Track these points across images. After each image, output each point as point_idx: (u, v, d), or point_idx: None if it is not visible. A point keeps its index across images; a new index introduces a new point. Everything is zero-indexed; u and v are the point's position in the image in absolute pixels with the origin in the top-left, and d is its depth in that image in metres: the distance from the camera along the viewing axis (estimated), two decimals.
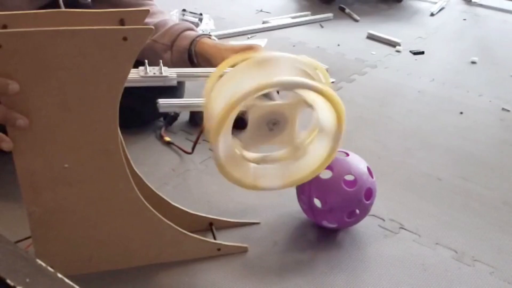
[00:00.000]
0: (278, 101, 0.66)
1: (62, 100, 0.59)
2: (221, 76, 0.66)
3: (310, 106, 0.66)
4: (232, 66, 0.66)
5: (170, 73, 0.77)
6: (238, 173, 0.68)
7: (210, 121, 0.64)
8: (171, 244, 0.76)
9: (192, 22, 1.56)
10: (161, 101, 0.77)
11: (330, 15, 1.95)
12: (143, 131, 1.13)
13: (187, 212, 0.82)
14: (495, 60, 1.67)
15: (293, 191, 0.85)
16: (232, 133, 0.66)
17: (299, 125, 0.68)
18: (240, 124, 0.66)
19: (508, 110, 1.33)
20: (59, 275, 0.34)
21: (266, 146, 0.69)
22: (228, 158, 0.66)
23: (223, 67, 0.66)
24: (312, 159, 0.70)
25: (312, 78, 0.65)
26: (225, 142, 0.65)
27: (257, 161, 0.71)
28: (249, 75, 0.62)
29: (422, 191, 0.98)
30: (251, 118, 0.65)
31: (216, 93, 0.65)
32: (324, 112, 0.66)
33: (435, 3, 2.18)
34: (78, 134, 0.62)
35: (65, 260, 0.72)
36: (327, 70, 1.47)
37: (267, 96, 0.67)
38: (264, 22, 1.84)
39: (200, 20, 1.73)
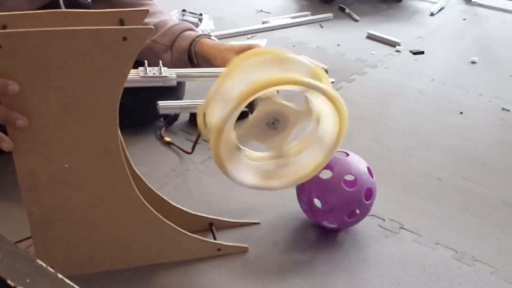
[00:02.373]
0: (290, 103, 0.67)
1: (62, 100, 0.59)
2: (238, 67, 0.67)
3: (315, 118, 0.67)
4: (255, 56, 0.66)
5: (170, 74, 0.77)
6: (226, 158, 0.67)
7: (220, 102, 0.64)
8: (171, 244, 0.76)
9: (192, 22, 1.56)
10: (161, 103, 0.77)
11: (330, 15, 1.95)
12: (143, 131, 1.13)
13: (187, 212, 0.82)
14: (495, 60, 1.67)
15: (293, 191, 0.85)
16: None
17: (292, 135, 0.69)
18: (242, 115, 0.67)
19: (508, 110, 1.33)
20: (60, 276, 0.34)
21: (257, 144, 0.69)
22: (224, 141, 0.66)
23: (249, 55, 0.66)
24: (299, 167, 0.71)
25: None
26: (229, 125, 0.65)
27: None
28: (270, 69, 0.63)
29: (422, 191, 0.98)
30: (258, 110, 0.65)
31: (234, 77, 0.65)
32: (326, 125, 0.67)
33: (435, 3, 2.18)
34: (78, 134, 0.62)
35: (66, 260, 0.72)
36: (326, 71, 1.48)
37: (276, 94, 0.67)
38: (264, 22, 1.84)
39: (200, 20, 1.73)
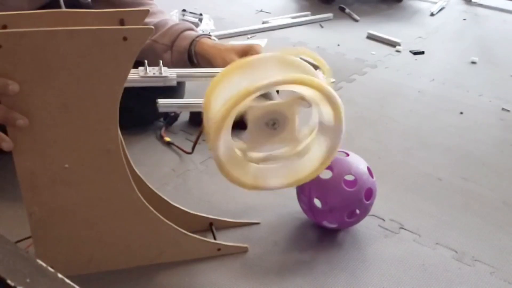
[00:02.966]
0: (275, 100, 0.66)
1: (62, 100, 0.59)
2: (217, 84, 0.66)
3: (308, 103, 0.66)
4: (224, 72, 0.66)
5: (170, 73, 0.77)
6: (238, 173, 0.68)
7: (209, 123, 0.64)
8: (171, 244, 0.76)
9: (192, 22, 1.56)
10: (161, 101, 0.77)
11: (330, 15, 1.95)
12: (143, 131, 1.13)
13: (187, 212, 0.82)
14: (495, 60, 1.67)
15: (293, 191, 0.85)
16: (236, 133, 0.66)
17: (301, 122, 0.68)
18: (243, 124, 0.66)
19: (508, 110, 1.33)
20: (60, 275, 0.34)
21: (271, 146, 0.69)
22: (229, 158, 0.66)
23: (219, 76, 0.66)
24: (314, 156, 0.70)
25: (307, 73, 0.65)
26: (225, 143, 0.65)
27: (261, 161, 0.71)
28: (245, 77, 0.62)
29: (422, 191, 0.98)
30: (250, 119, 0.65)
31: (215, 95, 0.65)
32: (322, 108, 0.66)
33: (435, 3, 2.18)
34: (78, 134, 0.62)
35: (66, 260, 0.72)
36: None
37: (266, 96, 0.67)
38: (264, 22, 1.84)
39: (200, 20, 1.73)
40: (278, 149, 0.71)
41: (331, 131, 0.67)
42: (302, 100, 0.66)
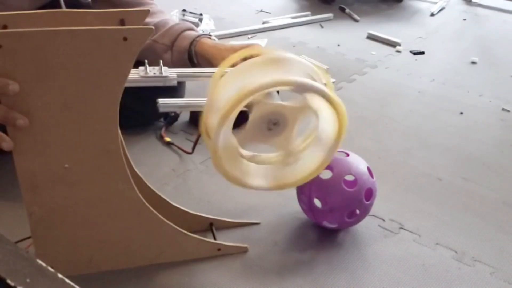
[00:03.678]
0: (284, 102, 0.66)
1: (62, 100, 0.59)
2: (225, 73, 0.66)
3: (314, 113, 0.66)
4: (243, 60, 0.65)
5: (170, 73, 0.77)
6: (229, 167, 0.67)
7: (212, 113, 0.64)
8: (172, 244, 0.76)
9: (192, 22, 1.56)
10: (161, 101, 0.77)
11: (330, 15, 1.95)
12: (144, 131, 1.13)
13: (187, 212, 0.82)
14: (495, 60, 1.67)
15: (293, 191, 0.85)
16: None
17: (296, 131, 0.69)
18: (238, 122, 0.66)
19: (508, 110, 1.33)
20: (60, 275, 0.34)
21: (260, 147, 0.69)
22: (225, 150, 0.66)
23: (230, 62, 0.66)
24: (302, 167, 0.70)
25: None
26: (225, 133, 0.64)
27: (248, 159, 0.71)
28: (261, 71, 0.62)
29: (422, 191, 0.98)
30: (253, 115, 0.65)
31: (222, 86, 0.65)
32: (325, 123, 0.66)
33: (435, 3, 2.18)
34: (78, 134, 0.62)
35: (66, 260, 0.72)
36: (327, 70, 1.48)
37: (268, 95, 0.67)
38: (264, 22, 1.84)
39: (200, 20, 1.73)
40: (268, 151, 0.71)
41: (327, 146, 0.68)
42: (309, 109, 0.66)
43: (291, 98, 0.67)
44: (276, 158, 0.71)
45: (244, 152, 0.70)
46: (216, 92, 0.65)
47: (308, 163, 0.70)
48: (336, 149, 0.68)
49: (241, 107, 0.62)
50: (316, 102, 0.65)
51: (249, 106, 0.64)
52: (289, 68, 0.64)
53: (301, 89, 0.62)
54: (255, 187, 0.69)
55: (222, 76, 0.66)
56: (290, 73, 0.62)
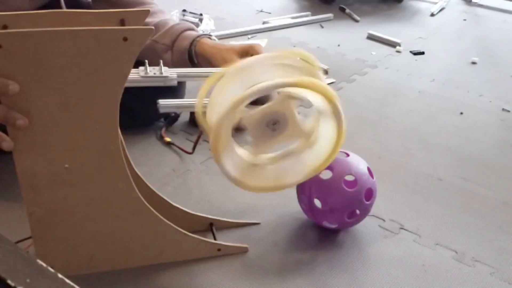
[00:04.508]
0: (299, 116, 0.66)
1: (62, 100, 0.59)
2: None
3: (298, 98, 0.66)
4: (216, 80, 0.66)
5: (170, 73, 0.77)
6: (258, 181, 0.68)
7: (215, 108, 0.64)
8: (172, 245, 0.76)
9: (193, 23, 1.56)
10: (161, 101, 0.77)
11: (330, 15, 1.95)
12: (144, 131, 1.13)
13: (187, 212, 0.82)
14: (495, 60, 1.67)
15: (293, 191, 0.85)
16: (243, 137, 0.66)
17: (298, 117, 0.68)
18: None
19: (508, 111, 1.33)
20: (60, 276, 0.34)
21: (280, 144, 0.69)
22: (241, 171, 0.66)
23: (206, 88, 0.67)
24: (325, 142, 0.70)
25: (295, 69, 0.65)
26: (232, 157, 0.65)
27: (276, 160, 0.71)
28: (231, 88, 0.63)
29: (422, 192, 0.98)
30: (248, 127, 0.65)
31: (226, 82, 0.65)
32: (313, 97, 0.66)
33: (435, 3, 2.18)
34: (78, 134, 0.62)
35: (66, 260, 0.72)
36: (327, 71, 1.48)
37: (262, 99, 0.67)
38: (264, 23, 1.84)
39: (200, 20, 1.73)
40: (289, 145, 0.71)
41: (330, 113, 0.67)
42: (291, 96, 0.66)
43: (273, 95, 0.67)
44: (300, 145, 0.70)
45: (268, 156, 0.70)
46: (222, 85, 0.65)
47: (328, 136, 0.69)
48: (338, 111, 0.66)
49: (227, 133, 0.62)
50: (322, 126, 0.65)
51: (239, 125, 0.65)
52: (257, 73, 0.64)
53: (264, 92, 0.62)
54: (293, 183, 0.70)
55: (222, 76, 0.66)
56: (257, 80, 0.62)
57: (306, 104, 0.68)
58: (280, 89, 0.64)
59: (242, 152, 0.69)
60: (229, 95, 0.61)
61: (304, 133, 0.69)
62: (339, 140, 0.68)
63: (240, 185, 0.68)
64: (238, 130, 0.66)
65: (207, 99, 0.68)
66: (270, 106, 0.65)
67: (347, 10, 2.01)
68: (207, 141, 1.02)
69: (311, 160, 0.71)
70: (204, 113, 0.68)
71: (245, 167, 0.68)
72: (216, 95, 0.65)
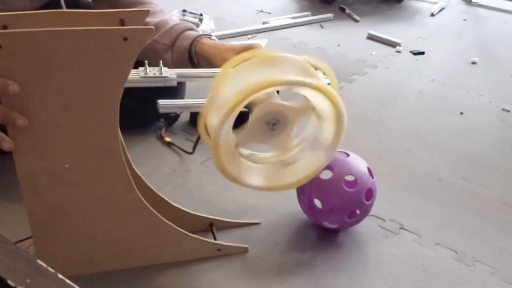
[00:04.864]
0: (286, 102, 0.66)
1: (62, 100, 0.59)
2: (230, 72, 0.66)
3: (315, 114, 0.66)
4: (243, 61, 0.65)
5: (170, 74, 0.77)
6: (227, 162, 0.67)
7: (215, 109, 0.64)
8: (172, 245, 0.76)
9: (193, 23, 1.56)
10: (161, 101, 0.77)
11: (330, 15, 1.95)
12: (144, 131, 1.13)
13: (187, 212, 0.82)
14: (495, 60, 1.67)
15: (293, 192, 0.85)
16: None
17: (295, 132, 0.69)
18: (238, 121, 0.66)
19: (509, 111, 1.33)
20: (60, 276, 0.34)
21: (261, 146, 0.69)
22: (224, 148, 0.66)
23: (236, 61, 0.66)
24: (300, 167, 0.70)
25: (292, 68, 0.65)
26: (226, 132, 0.64)
27: (246, 158, 0.71)
28: (262, 71, 0.63)
29: (422, 192, 0.98)
30: (255, 113, 0.65)
31: (226, 84, 0.65)
32: (326, 124, 0.66)
33: (435, 3, 2.18)
34: (78, 134, 0.62)
35: (66, 260, 0.72)
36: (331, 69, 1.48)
37: (270, 95, 0.67)
38: (264, 23, 1.84)
39: (200, 20, 1.73)
40: (265, 151, 0.71)
41: (325, 148, 0.68)
42: (312, 110, 0.66)
43: (292, 98, 0.67)
44: (273, 158, 0.71)
45: (243, 151, 0.70)
46: (221, 88, 0.65)
47: (305, 165, 0.70)
48: (333, 152, 0.68)
49: (243, 106, 0.62)
50: (318, 101, 0.64)
51: (250, 105, 0.64)
52: (284, 68, 0.64)
53: (294, 86, 0.62)
54: (251, 186, 0.69)
55: (228, 72, 0.66)
56: (289, 73, 0.62)
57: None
58: (297, 87, 0.63)
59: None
60: (261, 76, 0.61)
61: (285, 149, 0.69)
62: (314, 172, 0.69)
63: (215, 156, 0.66)
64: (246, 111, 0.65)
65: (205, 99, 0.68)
66: (289, 107, 0.65)
67: (347, 10, 2.01)
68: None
69: (280, 176, 0.70)
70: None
71: (228, 145, 0.67)
72: (242, 75, 0.65)
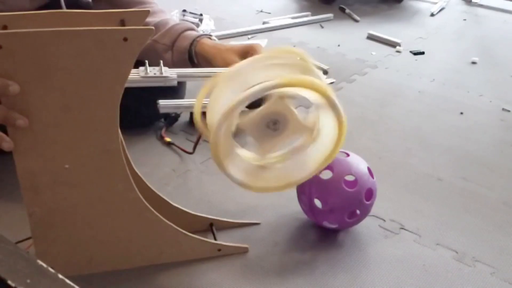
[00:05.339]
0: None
1: (62, 100, 0.59)
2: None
3: (290, 95, 0.66)
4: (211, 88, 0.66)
5: (171, 74, 0.77)
6: (267, 181, 0.67)
7: (214, 110, 0.64)
8: (172, 245, 0.76)
9: (193, 23, 1.56)
10: (161, 101, 0.77)
11: (330, 15, 1.95)
12: (144, 131, 1.13)
13: (187, 212, 0.82)
14: (495, 60, 1.67)
15: (293, 192, 0.85)
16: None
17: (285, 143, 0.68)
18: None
19: (509, 111, 1.33)
20: (60, 276, 0.34)
21: (285, 142, 0.69)
22: (249, 174, 0.66)
23: (202, 97, 0.66)
24: (327, 135, 0.69)
25: (289, 67, 0.65)
26: (235, 162, 0.65)
27: (284, 158, 0.70)
28: (225, 95, 0.63)
29: (422, 192, 0.98)
30: (248, 132, 0.65)
31: (226, 83, 0.65)
32: (307, 93, 0.66)
33: (435, 3, 2.19)
34: (78, 134, 0.62)
35: (66, 260, 0.72)
36: (327, 70, 1.48)
37: (261, 99, 0.66)
38: (264, 23, 1.84)
39: (200, 20, 1.73)
40: (293, 142, 0.71)
41: (325, 105, 0.66)
42: (282, 95, 0.65)
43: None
44: (304, 140, 0.70)
45: (275, 155, 0.70)
46: (217, 91, 0.65)
47: (329, 128, 0.69)
48: (333, 101, 0.65)
49: (226, 140, 0.62)
50: (324, 121, 0.64)
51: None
52: (249, 77, 0.63)
53: (254, 98, 0.62)
54: (301, 179, 0.69)
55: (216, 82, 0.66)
56: (250, 83, 0.62)
57: (302, 102, 0.67)
58: (272, 91, 0.63)
59: (247, 154, 0.69)
60: (223, 102, 0.61)
61: (306, 128, 0.68)
62: (341, 132, 0.67)
63: (247, 188, 0.68)
64: (238, 133, 0.65)
65: (207, 99, 0.67)
66: (265, 108, 0.65)
67: (347, 10, 2.01)
68: (208, 141, 1.03)
69: (318, 153, 0.70)
70: (204, 113, 0.68)
71: (251, 169, 0.68)
72: (212, 101, 0.65)
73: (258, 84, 0.61)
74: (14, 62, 0.56)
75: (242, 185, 0.68)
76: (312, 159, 0.70)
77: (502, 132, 1.23)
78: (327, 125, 0.68)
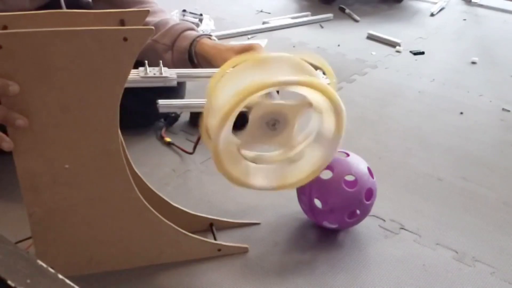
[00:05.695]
0: (282, 101, 0.66)
1: (62, 100, 0.59)
2: (223, 75, 0.66)
3: (314, 109, 0.66)
4: (235, 65, 0.66)
5: (170, 74, 0.77)
6: (232, 168, 0.67)
7: (212, 116, 0.64)
8: (172, 245, 0.76)
9: (193, 23, 1.56)
10: (161, 101, 0.77)
11: (330, 15, 1.95)
12: (144, 131, 1.13)
13: (187, 212, 0.82)
14: (495, 60, 1.67)
15: (293, 192, 0.85)
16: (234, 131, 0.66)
17: (297, 128, 0.68)
18: (239, 124, 0.66)
19: (509, 110, 1.33)
20: (60, 276, 0.34)
21: (265, 146, 0.69)
22: (226, 152, 0.66)
23: (227, 66, 0.66)
24: (306, 164, 0.70)
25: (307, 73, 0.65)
26: (226, 134, 0.64)
27: (252, 160, 0.70)
28: (254, 74, 0.62)
29: (422, 192, 0.98)
30: (253, 116, 0.65)
31: (220, 89, 0.65)
32: (325, 117, 0.66)
33: (435, 3, 2.19)
34: (78, 134, 0.62)
35: (66, 260, 0.72)
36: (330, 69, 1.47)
37: (267, 96, 0.67)
38: (264, 23, 1.84)
39: (200, 20, 1.73)
40: (271, 151, 0.71)
41: (328, 142, 0.67)
42: (309, 105, 0.66)
43: (290, 97, 0.67)
44: (279, 156, 0.70)
45: (246, 152, 0.70)
46: (216, 93, 0.65)
47: (312, 160, 0.69)
48: (337, 144, 0.67)
49: (241, 107, 0.62)
50: (316, 97, 0.64)
51: (248, 107, 0.64)
52: (281, 67, 0.64)
53: (288, 87, 0.62)
54: (257, 187, 0.69)
55: (222, 77, 0.66)
56: (282, 73, 0.62)
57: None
58: (304, 92, 0.63)
59: (232, 139, 0.69)
60: (251, 79, 0.61)
61: (290, 146, 0.69)
62: (320, 167, 0.68)
63: (218, 164, 0.67)
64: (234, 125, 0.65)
65: (205, 99, 0.68)
66: (285, 105, 0.65)
67: (347, 10, 2.01)
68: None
69: (286, 175, 0.70)
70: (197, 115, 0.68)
71: (230, 150, 0.67)
72: (232, 81, 0.65)
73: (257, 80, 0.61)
74: (14, 62, 0.56)
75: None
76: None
77: (502, 132, 1.23)
78: (310, 156, 0.69)
